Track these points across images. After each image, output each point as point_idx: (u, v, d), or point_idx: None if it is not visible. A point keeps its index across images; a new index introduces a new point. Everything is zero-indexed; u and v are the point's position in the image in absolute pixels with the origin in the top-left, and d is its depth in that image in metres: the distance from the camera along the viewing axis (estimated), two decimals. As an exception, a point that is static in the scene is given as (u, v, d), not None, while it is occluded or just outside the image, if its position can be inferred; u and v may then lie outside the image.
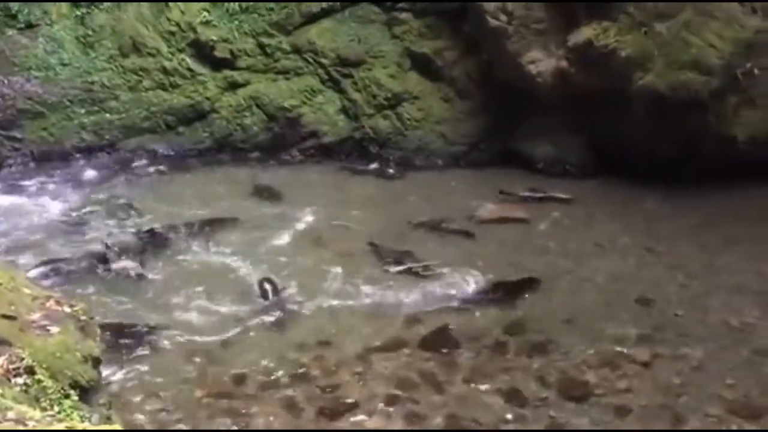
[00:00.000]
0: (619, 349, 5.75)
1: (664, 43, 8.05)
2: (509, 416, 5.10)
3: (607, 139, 8.68)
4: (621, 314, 6.19)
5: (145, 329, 6.04)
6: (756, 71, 8.16)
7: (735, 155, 8.21)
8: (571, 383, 5.37)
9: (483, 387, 5.36)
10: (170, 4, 9.64)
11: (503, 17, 8.82)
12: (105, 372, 5.18)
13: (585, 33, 8.41)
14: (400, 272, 6.83)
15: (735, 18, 8.20)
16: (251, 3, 9.65)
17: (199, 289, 6.59)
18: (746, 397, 5.19)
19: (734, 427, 4.94)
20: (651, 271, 6.81)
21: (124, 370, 5.56)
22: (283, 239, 7.51)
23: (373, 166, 9.35)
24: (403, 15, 9.65)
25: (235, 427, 5.11)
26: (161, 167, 9.19)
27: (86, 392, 4.06)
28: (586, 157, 8.98)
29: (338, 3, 9.66)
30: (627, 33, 8.17)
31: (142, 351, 5.80)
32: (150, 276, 6.78)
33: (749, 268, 6.84)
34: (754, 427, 4.91)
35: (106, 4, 9.56)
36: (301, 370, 5.59)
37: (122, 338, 5.86)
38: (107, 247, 7.03)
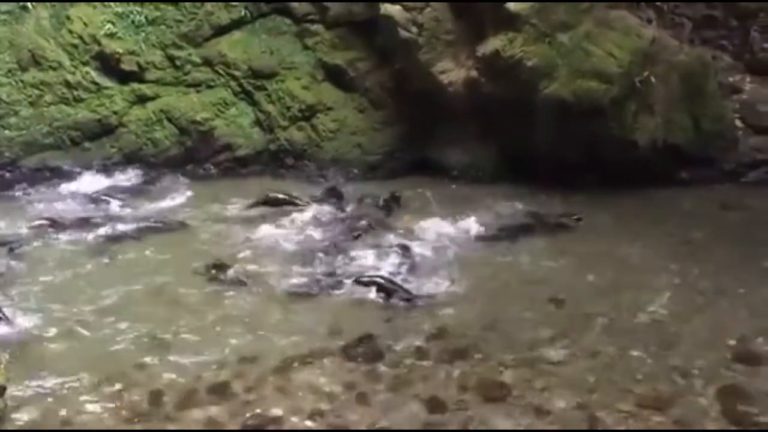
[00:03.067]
0: (534, 349, 5.89)
1: (567, 52, 8.39)
2: (430, 421, 5.16)
3: (517, 145, 8.96)
4: (535, 316, 6.37)
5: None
6: (653, 79, 8.60)
7: (635, 159, 8.63)
8: (490, 386, 5.48)
9: (405, 394, 5.40)
10: (72, 16, 9.34)
11: (414, 29, 8.97)
12: (10, 402, 4.97)
13: (492, 44, 8.66)
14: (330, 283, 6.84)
15: (632, 28, 8.64)
16: (158, 15, 9.46)
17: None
18: (655, 390, 5.42)
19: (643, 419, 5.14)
20: (562, 272, 7.04)
21: (32, 399, 5.31)
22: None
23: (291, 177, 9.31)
24: (315, 26, 9.68)
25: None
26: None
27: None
28: (498, 163, 9.22)
29: (248, 14, 9.60)
30: (532, 44, 8.46)
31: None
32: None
33: (655, 266, 7.15)
34: (661, 419, 5.14)
35: (2, 16, 9.17)
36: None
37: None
38: None
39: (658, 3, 9.27)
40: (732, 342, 5.93)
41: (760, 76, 9.55)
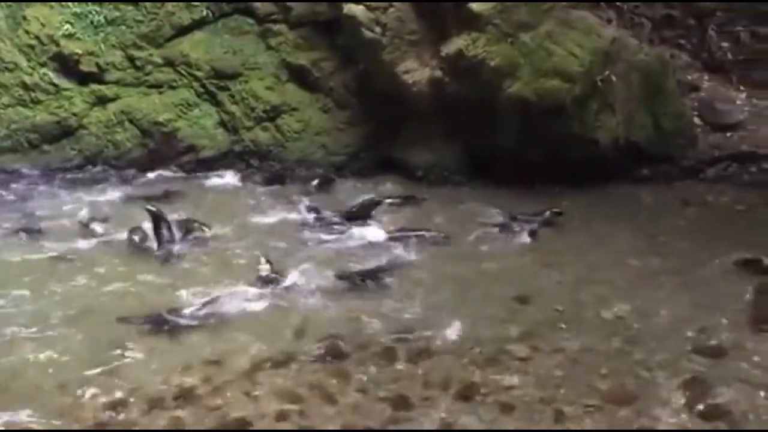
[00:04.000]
0: (501, 347, 5.93)
1: (529, 52, 8.47)
2: (398, 419, 5.16)
3: (481, 144, 9.02)
4: (502, 313, 6.41)
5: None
6: (613, 78, 8.73)
7: (597, 157, 8.75)
8: (457, 383, 5.50)
9: (373, 394, 5.39)
10: (29, 16, 9.16)
11: (377, 29, 8.98)
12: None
13: (456, 44, 8.71)
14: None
15: (593, 28, 8.76)
16: (118, 15, 9.33)
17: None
18: (620, 385, 5.49)
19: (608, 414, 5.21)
20: (528, 270, 7.09)
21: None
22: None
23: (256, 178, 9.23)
24: (278, 26, 9.63)
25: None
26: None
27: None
28: (462, 162, 9.27)
29: (210, 14, 9.52)
30: (495, 44, 8.53)
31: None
32: None
33: (617, 261, 7.25)
34: (626, 413, 5.21)
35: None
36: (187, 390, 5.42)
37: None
38: None
39: (618, 3, 9.42)
40: (693, 335, 6.03)
41: (717, 74, 9.77)
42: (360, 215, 7.87)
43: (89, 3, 9.30)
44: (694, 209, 8.48)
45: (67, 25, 9.25)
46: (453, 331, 6.10)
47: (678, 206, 8.54)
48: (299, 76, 9.66)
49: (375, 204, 8.09)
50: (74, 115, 9.31)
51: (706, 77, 9.77)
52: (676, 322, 6.24)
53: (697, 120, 9.55)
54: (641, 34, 9.54)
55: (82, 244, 7.41)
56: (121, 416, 5.13)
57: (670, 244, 7.55)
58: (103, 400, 5.27)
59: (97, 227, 7.62)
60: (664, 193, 8.83)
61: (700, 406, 5.25)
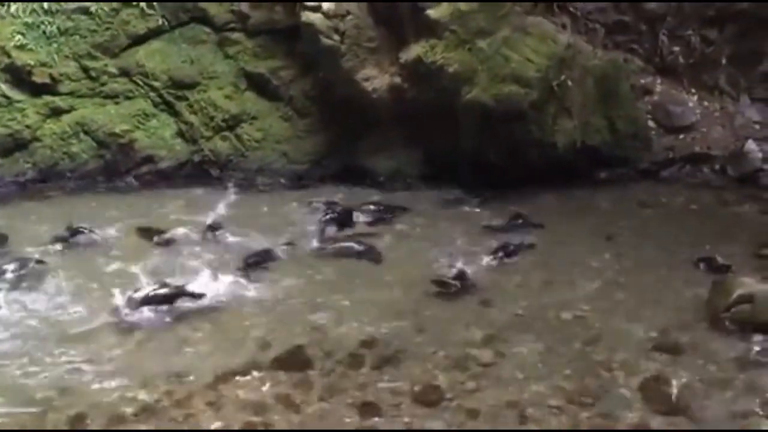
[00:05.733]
0: (465, 351, 5.96)
1: (486, 58, 8.55)
2: (364, 426, 5.15)
3: (442, 150, 9.07)
4: (465, 317, 6.44)
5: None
6: (569, 83, 8.86)
7: (556, 161, 8.87)
8: (423, 389, 5.51)
9: (338, 402, 5.37)
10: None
11: (336, 36, 8.98)
12: None
13: (414, 50, 8.76)
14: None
15: (548, 34, 8.89)
16: (71, 25, 9.16)
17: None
18: (582, 385, 5.57)
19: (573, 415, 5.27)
20: (489, 274, 7.14)
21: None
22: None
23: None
24: (236, 35, 9.56)
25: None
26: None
27: None
28: (424, 168, 9.31)
29: (166, 23, 9.40)
30: (452, 50, 8.59)
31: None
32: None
33: (577, 263, 7.35)
34: (589, 414, 5.27)
35: None
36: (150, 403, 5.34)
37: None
38: None
39: (571, 9, 9.57)
40: (653, 334, 6.15)
41: (669, 77, 9.99)
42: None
43: (41, 14, 9.11)
44: (651, 210, 8.65)
45: (19, 36, 9.05)
46: (418, 335, 6.11)
47: (635, 207, 8.70)
48: (258, 84, 9.60)
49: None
50: (27, 127, 9.10)
51: (658, 81, 9.97)
52: (636, 321, 6.35)
53: (651, 123, 9.75)
54: (595, 39, 9.71)
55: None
56: None
57: (628, 245, 7.68)
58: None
59: None
60: (621, 194, 8.98)
61: (661, 404, 5.35)
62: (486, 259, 7.26)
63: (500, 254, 7.32)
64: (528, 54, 8.61)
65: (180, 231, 7.76)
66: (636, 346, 6.00)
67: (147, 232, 7.80)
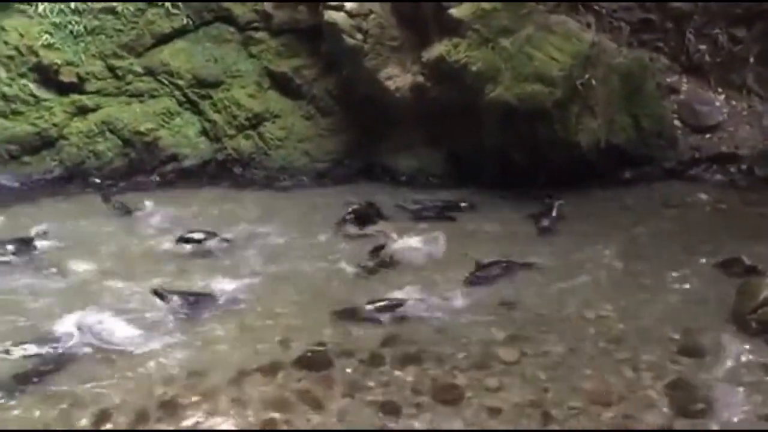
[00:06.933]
0: (487, 351, 5.94)
1: (510, 57, 8.51)
2: (386, 425, 5.15)
3: (464, 149, 9.05)
4: (487, 317, 6.42)
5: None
6: (594, 82, 8.79)
7: (579, 160, 8.80)
8: (443, 388, 5.50)
9: (360, 401, 5.38)
10: (7, 27, 9.10)
11: (359, 35, 9.00)
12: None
13: (437, 49, 8.74)
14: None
15: (572, 32, 8.82)
16: (97, 24, 9.29)
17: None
18: (604, 385, 5.52)
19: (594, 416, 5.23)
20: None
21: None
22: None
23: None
24: (259, 34, 9.63)
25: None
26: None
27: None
28: (446, 167, 9.30)
29: (191, 23, 9.49)
30: (475, 49, 8.56)
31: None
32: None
33: (600, 264, 7.29)
34: (611, 414, 5.23)
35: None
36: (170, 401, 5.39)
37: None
38: None
39: (596, 7, 9.49)
40: (677, 335, 6.07)
41: (696, 76, 9.86)
42: None
43: (68, 13, 9.24)
44: (676, 210, 8.55)
45: (47, 36, 9.19)
46: (439, 335, 6.10)
47: (659, 207, 8.60)
48: (281, 83, 9.65)
49: None
50: (54, 125, 9.24)
51: (684, 80, 9.85)
52: (660, 322, 6.28)
53: (677, 122, 9.64)
54: (620, 37, 9.61)
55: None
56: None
57: (652, 245, 7.60)
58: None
59: None
60: (645, 194, 8.89)
61: (685, 406, 5.29)
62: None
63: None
64: (552, 52, 8.56)
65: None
66: (660, 347, 5.94)
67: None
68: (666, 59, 9.87)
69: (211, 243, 7.51)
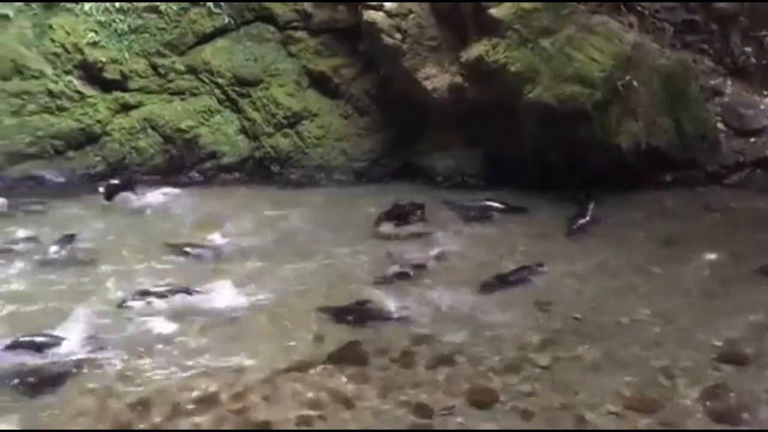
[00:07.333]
0: (521, 354, 5.90)
1: (550, 57, 8.44)
2: (417, 426, 5.15)
3: (502, 150, 9.00)
4: (521, 320, 6.38)
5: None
6: (635, 83, 8.67)
7: (619, 162, 8.69)
8: (477, 390, 5.48)
9: (392, 400, 5.39)
10: (54, 25, 9.31)
11: (397, 35, 9.00)
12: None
13: (476, 49, 8.70)
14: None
15: (614, 33, 8.71)
16: (141, 23, 9.45)
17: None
18: (640, 391, 5.45)
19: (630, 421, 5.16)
20: (545, 277, 7.04)
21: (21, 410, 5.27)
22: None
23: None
24: (299, 33, 9.70)
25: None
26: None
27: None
28: (483, 168, 9.26)
29: (232, 22, 9.61)
30: (515, 49, 8.51)
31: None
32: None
33: (638, 268, 7.19)
34: (649, 420, 5.16)
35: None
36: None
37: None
38: None
39: (639, 8, 9.35)
40: (717, 343, 5.96)
41: (740, 79, 9.66)
42: None
43: (113, 12, 9.42)
44: (718, 215, 8.38)
45: (92, 34, 9.37)
46: (473, 337, 6.07)
47: (701, 212, 8.44)
48: (320, 82, 9.71)
49: None
50: (98, 122, 9.43)
51: (729, 82, 9.66)
52: (699, 329, 6.16)
53: (720, 125, 9.45)
54: (663, 38, 9.46)
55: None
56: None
57: (692, 250, 7.47)
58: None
59: None
60: (686, 198, 8.74)
61: (723, 414, 5.19)
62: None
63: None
64: (592, 53, 8.46)
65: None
66: (699, 354, 5.83)
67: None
68: (710, 61, 9.69)
69: (246, 243, 7.56)
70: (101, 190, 8.48)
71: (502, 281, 6.85)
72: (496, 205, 8.36)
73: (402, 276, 6.96)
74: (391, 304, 6.43)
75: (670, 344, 5.96)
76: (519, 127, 8.78)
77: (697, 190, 8.91)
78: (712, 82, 9.64)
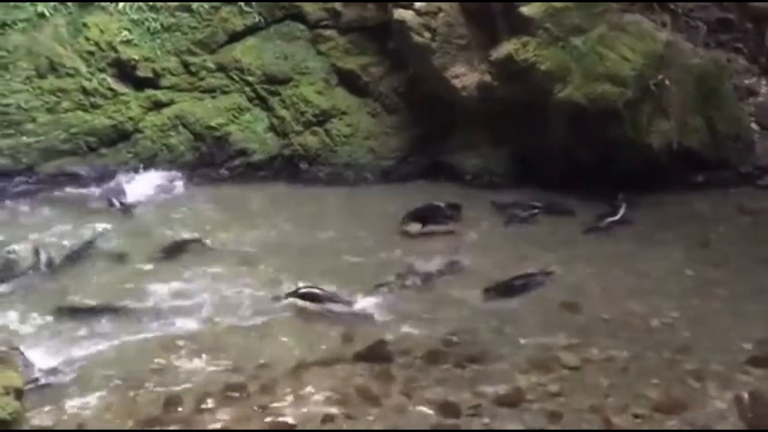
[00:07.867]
0: (549, 354, 5.88)
1: (581, 56, 8.36)
2: (443, 425, 5.16)
3: (531, 149, 8.94)
4: (549, 320, 6.35)
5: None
6: (667, 82, 8.56)
7: (650, 162, 8.58)
8: (504, 390, 5.47)
9: (418, 398, 5.40)
10: (89, 23, 9.44)
11: (427, 34, 8.99)
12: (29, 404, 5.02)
13: (506, 48, 8.66)
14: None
15: (646, 32, 8.60)
16: (173, 22, 9.54)
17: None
18: (669, 394, 5.39)
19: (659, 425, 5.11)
20: (574, 277, 7.00)
21: (48, 402, 5.36)
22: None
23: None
24: (328, 32, 9.72)
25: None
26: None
27: (7, 425, 3.89)
28: (511, 167, 9.21)
29: (262, 21, 9.66)
30: (545, 47, 8.45)
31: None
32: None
33: (669, 269, 7.12)
34: (676, 423, 5.10)
35: (20, 24, 9.27)
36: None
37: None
38: None
39: (672, 7, 9.23)
40: (748, 346, 5.89)
41: (775, 78, 9.50)
42: None
43: (146, 10, 9.53)
44: (751, 217, 8.26)
45: (125, 32, 9.48)
46: (499, 336, 6.06)
47: (734, 213, 8.32)
48: (349, 80, 9.73)
49: None
50: (131, 119, 9.53)
51: (764, 82, 9.50)
52: (730, 332, 6.10)
53: (754, 125, 9.29)
54: (696, 37, 9.32)
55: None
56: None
57: (724, 252, 7.38)
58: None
59: None
60: (719, 199, 8.62)
61: (753, 419, 5.11)
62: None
63: None
64: (624, 52, 8.36)
65: None
66: (729, 357, 5.76)
67: None
68: (744, 60, 9.53)
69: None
70: None
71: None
72: (538, 205, 8.35)
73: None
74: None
75: (700, 347, 5.89)
76: (548, 126, 8.72)
77: (730, 192, 8.77)
78: (747, 82, 9.49)
